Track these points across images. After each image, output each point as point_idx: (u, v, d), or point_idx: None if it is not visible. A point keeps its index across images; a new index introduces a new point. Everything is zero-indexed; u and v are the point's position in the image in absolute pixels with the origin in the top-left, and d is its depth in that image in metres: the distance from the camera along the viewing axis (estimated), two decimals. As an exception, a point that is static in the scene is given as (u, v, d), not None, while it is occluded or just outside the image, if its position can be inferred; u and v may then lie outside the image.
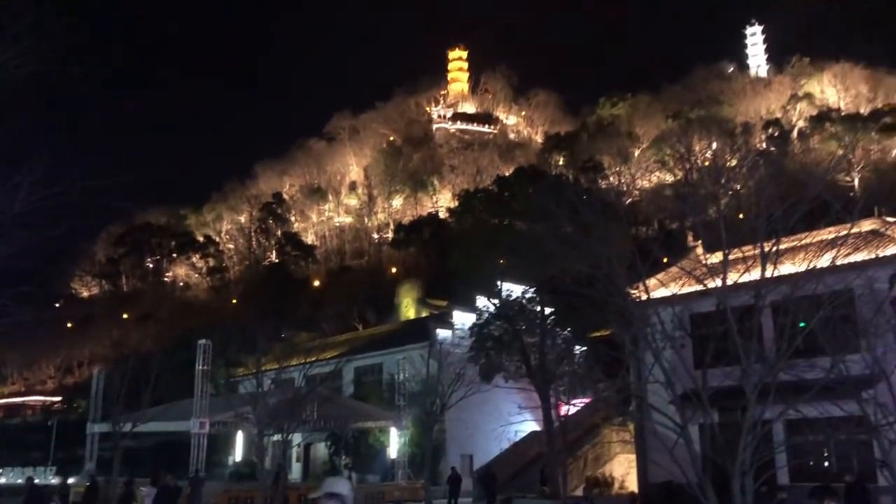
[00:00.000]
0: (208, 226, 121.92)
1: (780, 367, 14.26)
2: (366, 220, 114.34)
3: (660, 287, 19.03)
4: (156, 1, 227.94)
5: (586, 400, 35.35)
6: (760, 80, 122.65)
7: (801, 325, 14.91)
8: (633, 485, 30.61)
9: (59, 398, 76.47)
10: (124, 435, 30.28)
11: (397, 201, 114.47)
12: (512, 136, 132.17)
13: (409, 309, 54.00)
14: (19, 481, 35.66)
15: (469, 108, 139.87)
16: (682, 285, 19.28)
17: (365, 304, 70.15)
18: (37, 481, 26.37)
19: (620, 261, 15.85)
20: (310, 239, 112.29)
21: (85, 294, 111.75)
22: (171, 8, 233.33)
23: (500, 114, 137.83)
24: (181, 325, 70.78)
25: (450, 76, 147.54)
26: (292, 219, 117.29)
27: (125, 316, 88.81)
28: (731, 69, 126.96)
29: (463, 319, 37.12)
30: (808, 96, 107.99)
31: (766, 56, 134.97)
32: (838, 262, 16.32)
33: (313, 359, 32.77)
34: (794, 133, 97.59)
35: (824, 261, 16.13)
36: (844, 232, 16.65)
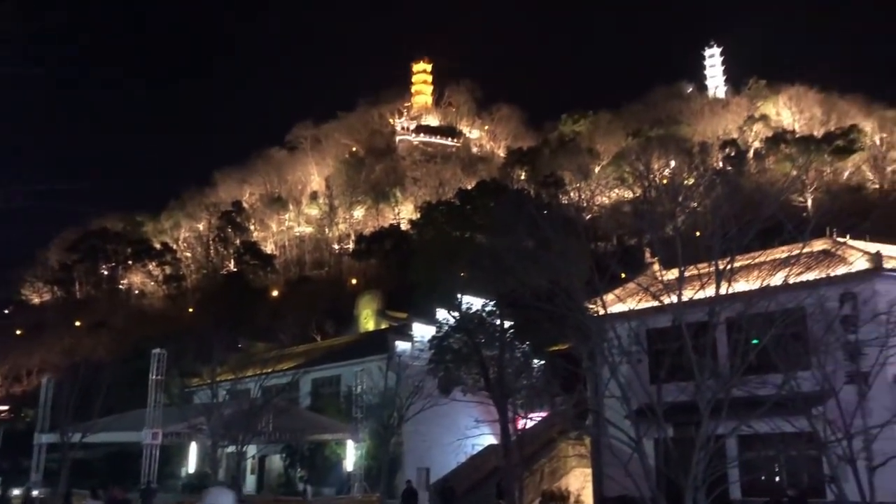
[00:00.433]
0: (166, 233, 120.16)
1: (734, 383, 14.50)
2: (326, 230, 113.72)
3: (617, 302, 19.24)
4: (118, 4, 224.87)
5: (544, 414, 35.50)
6: (718, 100, 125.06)
7: (754, 341, 15.20)
8: (588, 499, 30.78)
9: (5, 407, 74.34)
10: (73, 446, 29.59)
11: (359, 212, 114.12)
12: (475, 149, 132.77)
13: (368, 320, 53.68)
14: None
15: (432, 120, 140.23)
16: (639, 301, 19.51)
17: (324, 315, 69.57)
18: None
19: (579, 276, 16.02)
20: (269, 248, 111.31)
21: (36, 300, 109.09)
22: (130, 12, 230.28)
23: (464, 127, 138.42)
24: (135, 333, 69.48)
25: (414, 88, 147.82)
26: (251, 228, 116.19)
27: (77, 323, 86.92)
28: (690, 89, 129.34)
29: (422, 332, 37.04)
30: (764, 118, 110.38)
31: (724, 77, 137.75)
32: (790, 281, 16.69)
33: (270, 370, 32.50)
34: (750, 153, 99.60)
35: (777, 279, 16.47)
36: (797, 251, 17.03)
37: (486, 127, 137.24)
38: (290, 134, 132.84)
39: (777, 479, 23.98)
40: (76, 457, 31.33)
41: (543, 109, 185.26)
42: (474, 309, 33.04)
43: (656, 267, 24.08)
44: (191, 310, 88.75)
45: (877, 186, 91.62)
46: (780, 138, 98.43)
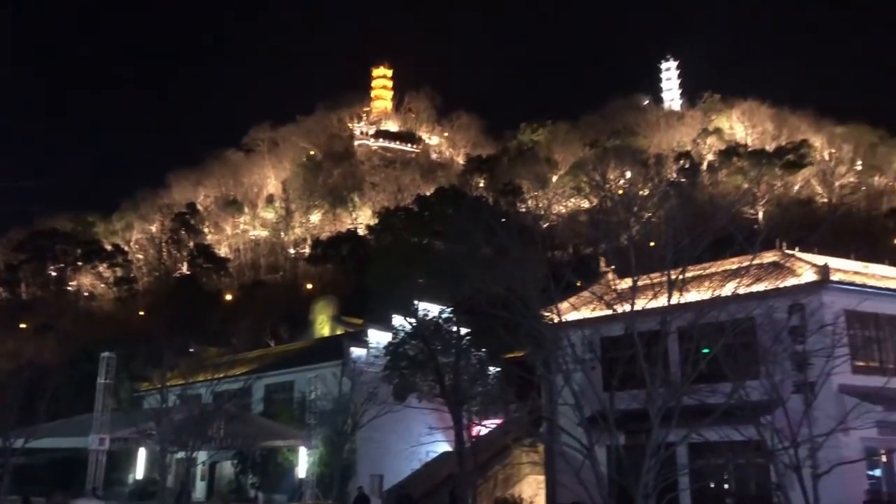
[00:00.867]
0: (117, 234, 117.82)
1: (684, 392, 14.70)
2: (282, 234, 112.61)
3: (572, 311, 19.40)
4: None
5: (498, 421, 35.56)
6: (674, 113, 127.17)
7: (705, 351, 15.43)
8: (541, 506, 30.87)
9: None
10: (15, 451, 28.87)
11: (316, 216, 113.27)
12: (434, 156, 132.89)
13: (323, 326, 53.32)
14: None
15: (392, 126, 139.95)
16: (594, 309, 19.71)
17: (278, 320, 68.91)
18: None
19: (535, 284, 16.11)
20: (223, 251, 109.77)
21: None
22: (87, 13, 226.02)
23: (423, 134, 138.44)
24: (84, 336, 67.90)
25: (373, 94, 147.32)
26: (206, 230, 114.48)
27: (23, 325, 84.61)
28: (647, 102, 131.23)
29: (378, 338, 36.86)
30: (718, 131, 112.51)
31: (679, 91, 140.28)
32: (740, 292, 17.00)
33: (222, 375, 32.05)
34: (704, 166, 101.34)
35: (727, 290, 16.76)
36: (747, 262, 17.37)
37: (446, 134, 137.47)
38: (247, 136, 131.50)
39: (726, 486, 24.39)
40: (19, 463, 30.60)
41: (503, 118, 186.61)
42: (431, 315, 33.01)
43: (611, 276, 24.33)
44: (142, 313, 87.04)
45: (825, 200, 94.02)
46: (732, 151, 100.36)
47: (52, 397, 29.64)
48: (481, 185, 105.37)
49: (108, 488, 32.82)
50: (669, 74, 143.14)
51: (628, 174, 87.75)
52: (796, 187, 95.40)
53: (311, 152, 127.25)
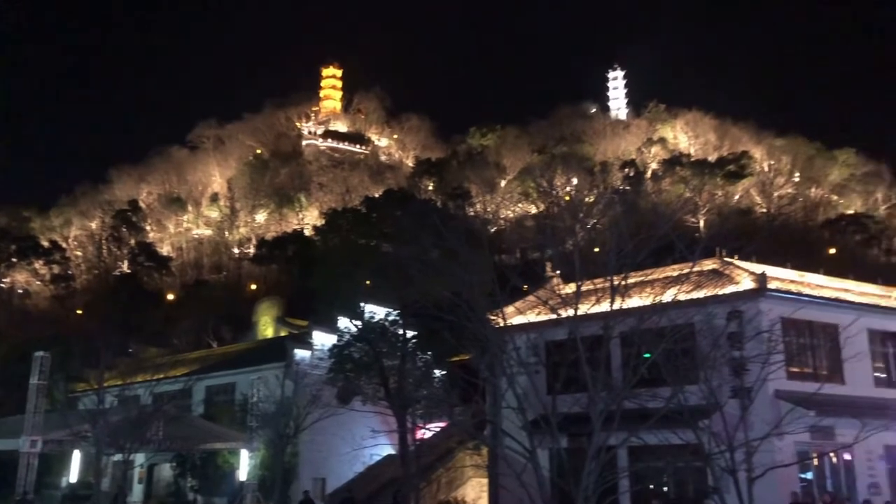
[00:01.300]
0: (55, 230, 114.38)
1: (625, 396, 14.93)
2: (226, 233, 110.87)
3: (517, 314, 19.53)
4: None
5: (442, 424, 35.61)
6: (620, 122, 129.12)
7: (646, 356, 15.70)
8: (483, 509, 30.99)
9: None
10: (-59, 453, 27.85)
11: (261, 216, 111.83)
12: (383, 157, 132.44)
13: (267, 327, 52.61)
14: None
15: (341, 126, 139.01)
16: (539, 313, 19.87)
17: (221, 320, 67.76)
18: None
19: (481, 287, 16.16)
20: (165, 250, 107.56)
21: None
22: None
23: (373, 135, 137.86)
24: (17, 335, 65.76)
25: (322, 93, 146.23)
26: (148, 228, 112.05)
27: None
28: (594, 110, 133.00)
29: (323, 340, 36.57)
30: (662, 140, 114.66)
31: (626, 100, 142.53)
32: (681, 298, 17.34)
33: (162, 376, 31.49)
34: (648, 174, 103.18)
35: (668, 296, 17.08)
36: (688, 270, 17.73)
37: (396, 136, 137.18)
38: (192, 133, 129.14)
39: (665, 489, 24.83)
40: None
41: (453, 122, 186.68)
42: (377, 318, 32.89)
43: (556, 281, 24.58)
44: (79, 312, 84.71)
45: (764, 210, 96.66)
46: (676, 161, 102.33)
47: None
48: (430, 187, 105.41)
49: (40, 492, 31.88)
50: (616, 84, 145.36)
51: (575, 181, 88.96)
52: (737, 197, 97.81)
53: (258, 151, 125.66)
